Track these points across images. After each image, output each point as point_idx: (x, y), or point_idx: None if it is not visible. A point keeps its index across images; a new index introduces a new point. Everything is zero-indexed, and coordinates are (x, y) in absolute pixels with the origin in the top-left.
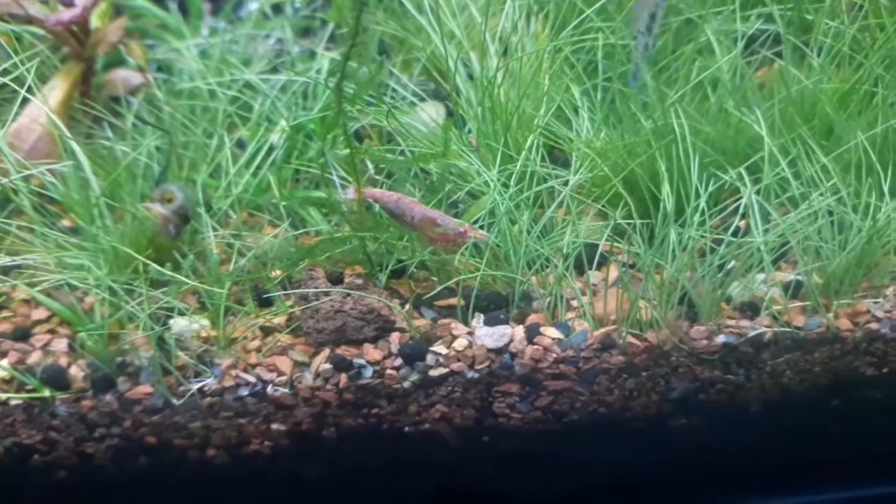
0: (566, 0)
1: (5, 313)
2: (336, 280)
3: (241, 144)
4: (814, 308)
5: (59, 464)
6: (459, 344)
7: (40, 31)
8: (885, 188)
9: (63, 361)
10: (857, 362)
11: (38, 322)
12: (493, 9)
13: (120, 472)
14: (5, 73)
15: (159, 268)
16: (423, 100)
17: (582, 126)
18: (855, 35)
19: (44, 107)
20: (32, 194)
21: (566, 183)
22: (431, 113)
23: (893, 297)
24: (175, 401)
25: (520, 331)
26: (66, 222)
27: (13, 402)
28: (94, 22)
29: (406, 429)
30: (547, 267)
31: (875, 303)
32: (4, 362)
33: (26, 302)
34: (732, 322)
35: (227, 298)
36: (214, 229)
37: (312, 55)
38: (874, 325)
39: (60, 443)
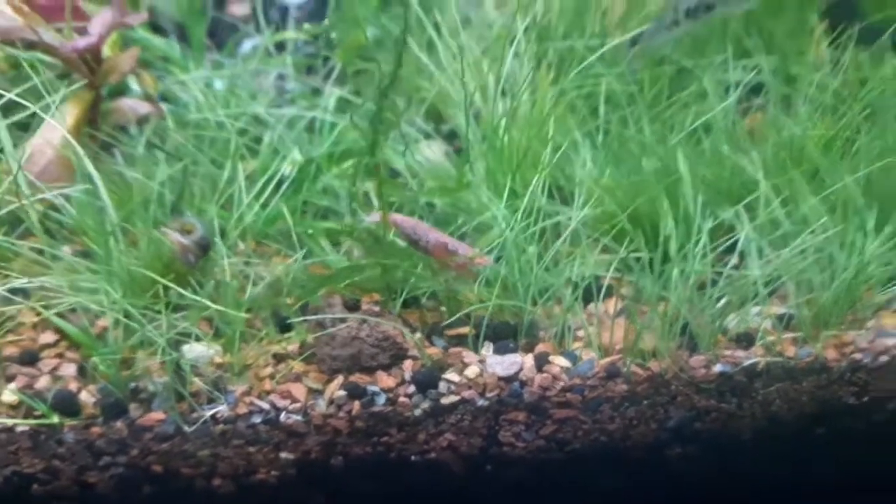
0: (569, 48)
1: (12, 337)
2: (353, 307)
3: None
4: (804, 339)
5: (62, 494)
6: (471, 371)
7: (47, 58)
8: (869, 227)
9: (73, 386)
10: (841, 392)
11: (46, 346)
12: (495, 53)
13: (125, 501)
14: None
15: (182, 290)
16: (428, 136)
17: (585, 166)
18: (836, 89)
19: (56, 130)
20: (43, 217)
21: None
22: (435, 151)
23: (874, 330)
24: (187, 428)
25: (529, 359)
26: (75, 246)
27: (19, 429)
28: (105, 51)
29: (413, 457)
30: (552, 298)
31: (859, 334)
32: (13, 386)
33: (33, 325)
34: (728, 352)
35: (243, 325)
36: (227, 257)
37: (316, 92)
38: (858, 356)
39: (63, 471)
